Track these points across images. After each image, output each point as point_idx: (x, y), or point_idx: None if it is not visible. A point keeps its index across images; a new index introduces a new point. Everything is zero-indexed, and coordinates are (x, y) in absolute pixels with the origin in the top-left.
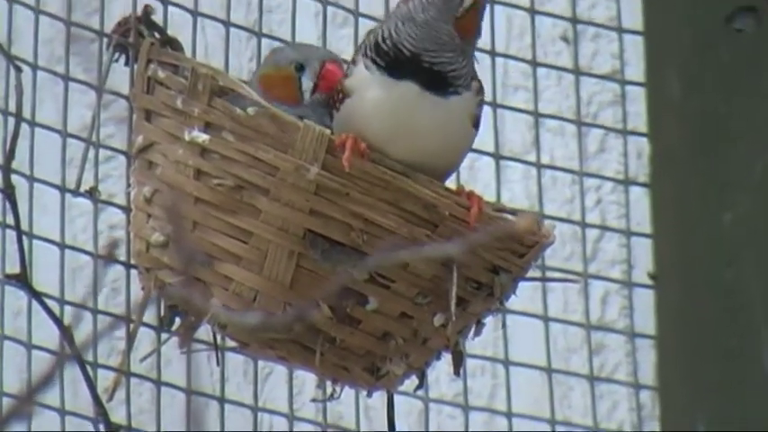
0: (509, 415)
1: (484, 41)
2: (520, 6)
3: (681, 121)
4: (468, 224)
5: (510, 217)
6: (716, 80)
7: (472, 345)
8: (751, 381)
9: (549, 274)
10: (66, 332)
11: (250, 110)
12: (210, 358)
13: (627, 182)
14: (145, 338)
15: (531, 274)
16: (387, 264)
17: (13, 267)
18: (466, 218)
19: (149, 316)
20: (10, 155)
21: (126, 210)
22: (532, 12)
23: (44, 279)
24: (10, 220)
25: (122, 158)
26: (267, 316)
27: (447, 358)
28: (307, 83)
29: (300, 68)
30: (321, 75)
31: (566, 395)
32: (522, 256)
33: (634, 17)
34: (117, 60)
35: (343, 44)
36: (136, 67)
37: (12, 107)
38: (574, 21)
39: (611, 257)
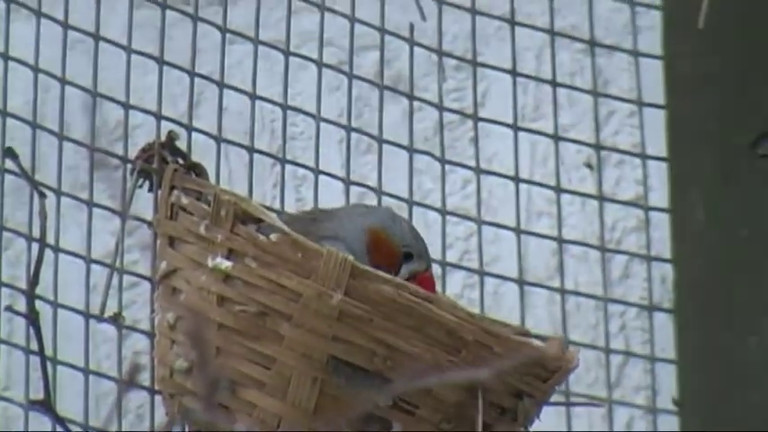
0: None
1: (508, 167)
2: (544, 133)
3: (705, 247)
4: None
5: (534, 341)
6: (740, 206)
7: None
8: None
9: (574, 399)
10: None
11: (273, 236)
12: None
13: (651, 308)
14: None
15: (555, 398)
16: (411, 389)
17: (36, 393)
18: (490, 343)
19: None
20: (34, 280)
21: (150, 335)
22: (556, 138)
23: (68, 405)
24: (34, 345)
25: (146, 284)
26: None
27: None
28: (403, 273)
29: (408, 257)
30: (418, 278)
31: None
32: (546, 380)
33: (658, 143)
34: (141, 186)
35: (366, 170)
36: (159, 193)
37: (36, 233)
38: (597, 147)
39: (635, 383)
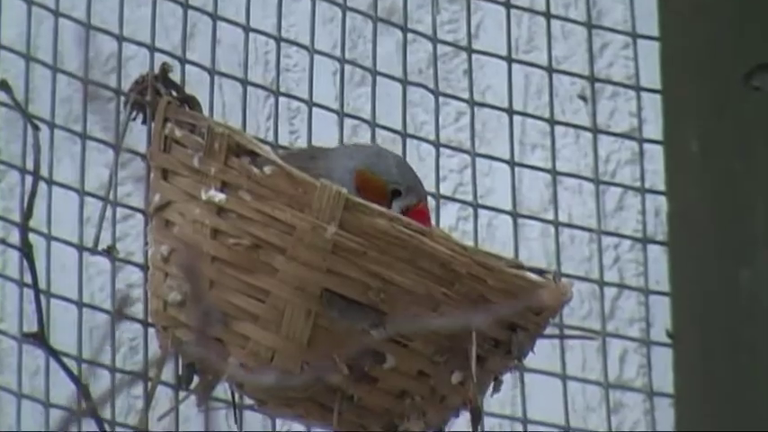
0: None
1: (502, 99)
2: (538, 65)
3: (699, 179)
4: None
5: (528, 274)
6: (734, 138)
7: (490, 403)
8: None
9: (567, 332)
10: (83, 390)
11: (266, 169)
12: (228, 416)
13: (645, 240)
14: (162, 397)
15: (548, 331)
16: (408, 329)
17: (30, 326)
18: (483, 276)
19: (167, 374)
20: (28, 213)
21: (143, 268)
22: (550, 70)
23: (61, 338)
24: (27, 278)
25: (140, 217)
26: (284, 375)
27: (465, 416)
28: (395, 209)
29: (396, 194)
30: (411, 211)
31: None
32: (540, 313)
33: (652, 75)
34: (134, 119)
35: (360, 102)
36: (153, 125)
37: (29, 166)
38: (592, 79)
39: (629, 316)
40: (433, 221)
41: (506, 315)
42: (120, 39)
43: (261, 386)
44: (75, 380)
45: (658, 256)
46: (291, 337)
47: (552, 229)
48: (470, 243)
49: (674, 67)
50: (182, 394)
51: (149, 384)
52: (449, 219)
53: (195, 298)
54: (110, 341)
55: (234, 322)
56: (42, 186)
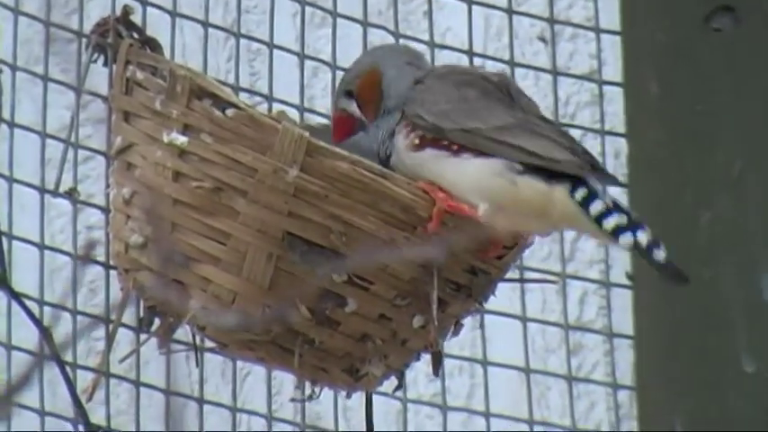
0: (487, 415)
1: (462, 41)
2: (497, 7)
3: (658, 121)
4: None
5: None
6: (693, 80)
7: (450, 345)
8: (729, 380)
9: (528, 274)
10: (45, 332)
11: (228, 112)
12: (189, 359)
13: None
14: (124, 339)
15: (509, 274)
16: (366, 266)
17: None
18: (444, 219)
19: (128, 317)
20: None
21: (105, 210)
22: (510, 12)
23: (23, 280)
24: None
25: (101, 159)
26: (245, 318)
27: (426, 359)
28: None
29: (349, 94)
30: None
31: (544, 395)
32: (501, 257)
33: (612, 17)
34: (96, 61)
35: (321, 44)
36: (114, 67)
37: None
38: (551, 21)
39: (588, 258)
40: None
41: (468, 258)
42: None
43: (222, 329)
44: (38, 322)
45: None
46: (253, 280)
47: None
48: None
49: (634, 8)
50: (143, 337)
51: (111, 327)
52: None
53: (156, 241)
54: (72, 285)
55: (195, 265)
56: (3, 128)
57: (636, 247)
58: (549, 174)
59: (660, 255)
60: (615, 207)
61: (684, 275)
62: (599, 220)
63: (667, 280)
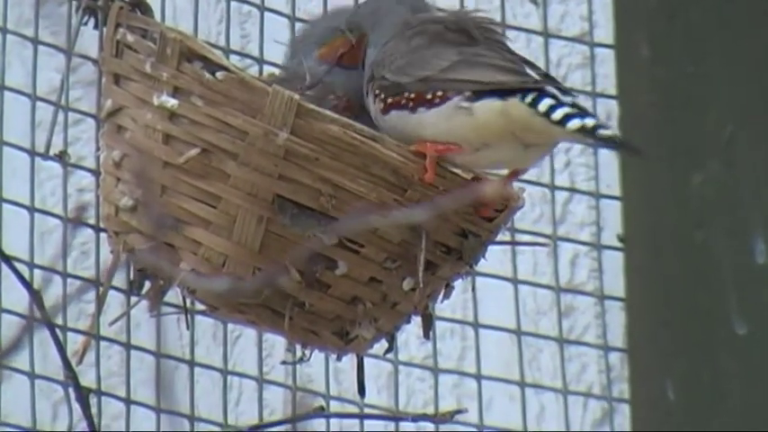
0: (478, 377)
1: (452, 3)
2: None
3: (650, 84)
4: (425, 182)
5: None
6: (685, 42)
7: (441, 308)
8: (720, 342)
9: (519, 236)
10: (35, 295)
11: (219, 74)
12: (180, 321)
13: (596, 144)
14: (114, 302)
15: (500, 237)
16: (356, 229)
17: None
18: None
19: (119, 279)
20: None
21: (95, 173)
22: None
23: (13, 243)
24: None
25: (91, 122)
26: (236, 281)
27: (416, 321)
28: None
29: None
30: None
31: (535, 357)
32: (492, 219)
33: None
34: (86, 23)
35: (312, 6)
36: (105, 30)
37: None
38: None
39: (580, 220)
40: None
41: (458, 221)
42: None
43: (213, 291)
44: (28, 285)
45: (609, 160)
46: (243, 243)
47: None
48: None
49: None
50: (133, 299)
51: (101, 290)
52: None
53: (147, 203)
54: (63, 248)
55: (186, 228)
56: None
57: (583, 129)
58: (500, 94)
59: (606, 132)
60: (568, 105)
61: (635, 147)
62: (548, 114)
63: (619, 153)
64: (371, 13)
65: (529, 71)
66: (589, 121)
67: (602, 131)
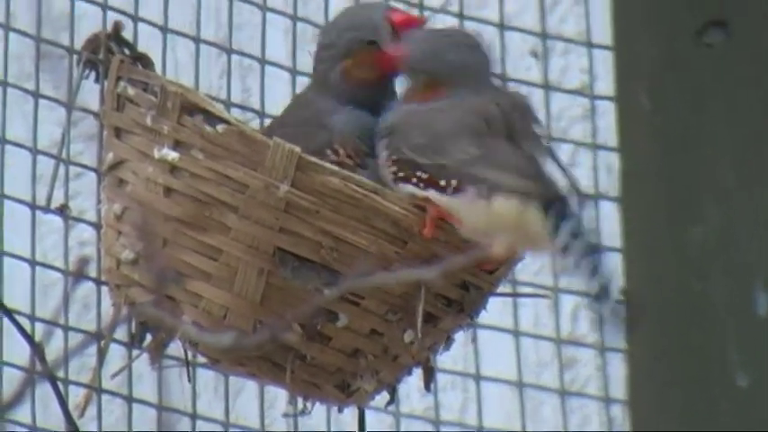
0: (480, 429)
1: None
2: (489, 21)
3: (650, 136)
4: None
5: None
6: (685, 94)
7: (443, 359)
8: (722, 394)
9: (520, 288)
10: (37, 348)
11: (219, 127)
12: (182, 374)
13: (597, 196)
14: (116, 355)
15: (501, 289)
16: (359, 285)
17: None
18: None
19: (120, 332)
20: None
21: (96, 226)
22: (502, 27)
23: (15, 296)
24: None
25: (92, 175)
26: (238, 335)
27: (418, 373)
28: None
29: (373, 44)
30: (396, 27)
31: (537, 409)
32: (493, 272)
33: (604, 32)
34: (87, 77)
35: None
36: (105, 84)
37: None
38: (543, 36)
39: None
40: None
41: (459, 273)
42: None
43: (214, 345)
44: (29, 339)
45: (610, 213)
46: (244, 296)
47: None
48: None
49: (626, 23)
50: (135, 352)
51: (102, 343)
52: None
53: (148, 256)
54: (64, 302)
55: (187, 280)
56: None
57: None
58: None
59: (603, 304)
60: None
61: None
62: (555, 234)
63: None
64: (433, 55)
65: (549, 177)
66: (593, 285)
67: (599, 301)
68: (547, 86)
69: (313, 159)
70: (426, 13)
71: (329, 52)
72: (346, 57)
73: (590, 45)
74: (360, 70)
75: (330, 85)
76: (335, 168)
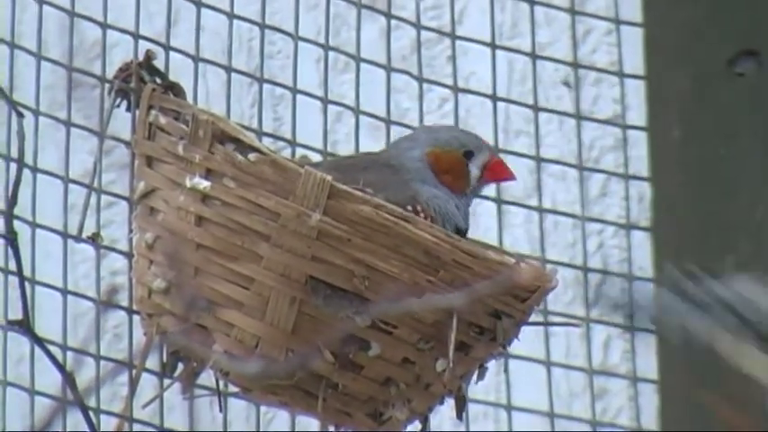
0: None
1: (486, 86)
2: (521, 51)
3: (682, 165)
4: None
5: (512, 260)
6: (717, 124)
7: (475, 389)
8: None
9: (552, 318)
10: (68, 378)
11: (251, 156)
12: (213, 404)
13: (629, 226)
14: (147, 384)
15: (533, 318)
16: (391, 311)
17: (15, 314)
18: (468, 263)
19: (152, 362)
20: (12, 201)
21: (128, 255)
22: (534, 56)
23: (46, 325)
24: (12, 266)
25: (124, 204)
26: (268, 363)
27: (450, 403)
28: (474, 171)
29: (470, 155)
30: (489, 166)
31: None
32: (525, 300)
33: (635, 61)
34: (119, 106)
35: (344, 89)
36: (137, 112)
37: (14, 153)
38: (575, 65)
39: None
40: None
41: (491, 302)
42: (104, 26)
43: (246, 374)
44: (61, 368)
45: (642, 242)
46: (276, 325)
47: (536, 216)
48: None
49: (658, 53)
50: (166, 382)
51: (134, 372)
52: None
53: (180, 285)
54: (96, 331)
55: (219, 309)
56: (27, 173)
57: None
58: None
59: None
60: None
61: None
62: None
63: None
64: None
65: None
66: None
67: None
68: (579, 116)
69: (344, 187)
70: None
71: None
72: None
73: (622, 75)
74: (446, 162)
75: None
76: (367, 196)
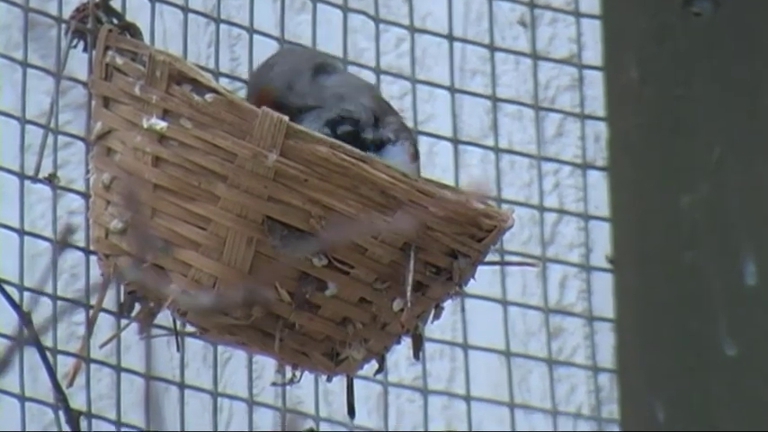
0: (468, 398)
1: (441, 26)
2: None
3: (639, 105)
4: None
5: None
6: (674, 64)
7: (431, 329)
8: (709, 364)
9: (508, 258)
10: (25, 317)
11: (208, 96)
12: (170, 344)
13: (585, 166)
14: (104, 324)
15: (489, 258)
16: (345, 247)
17: None
18: (424, 202)
19: (109, 302)
20: None
21: (85, 196)
22: None
23: (3, 265)
24: None
25: (81, 144)
26: (222, 297)
27: (407, 342)
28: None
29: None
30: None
31: (524, 378)
32: (481, 240)
33: (592, 1)
34: (75, 46)
35: (301, 29)
36: (94, 53)
37: None
38: (531, 5)
39: (569, 241)
40: None
41: (447, 241)
42: None
43: (199, 309)
44: (17, 307)
45: (598, 182)
46: (233, 265)
47: (492, 155)
48: None
49: None
50: (123, 322)
51: (90, 312)
52: None
53: (136, 226)
54: (52, 270)
55: (176, 250)
56: None
57: None
58: None
59: None
60: None
61: None
62: None
63: None
64: None
65: None
66: None
67: None
68: (535, 56)
69: (301, 128)
70: None
71: None
72: None
73: (578, 14)
74: None
75: None
76: (324, 137)
